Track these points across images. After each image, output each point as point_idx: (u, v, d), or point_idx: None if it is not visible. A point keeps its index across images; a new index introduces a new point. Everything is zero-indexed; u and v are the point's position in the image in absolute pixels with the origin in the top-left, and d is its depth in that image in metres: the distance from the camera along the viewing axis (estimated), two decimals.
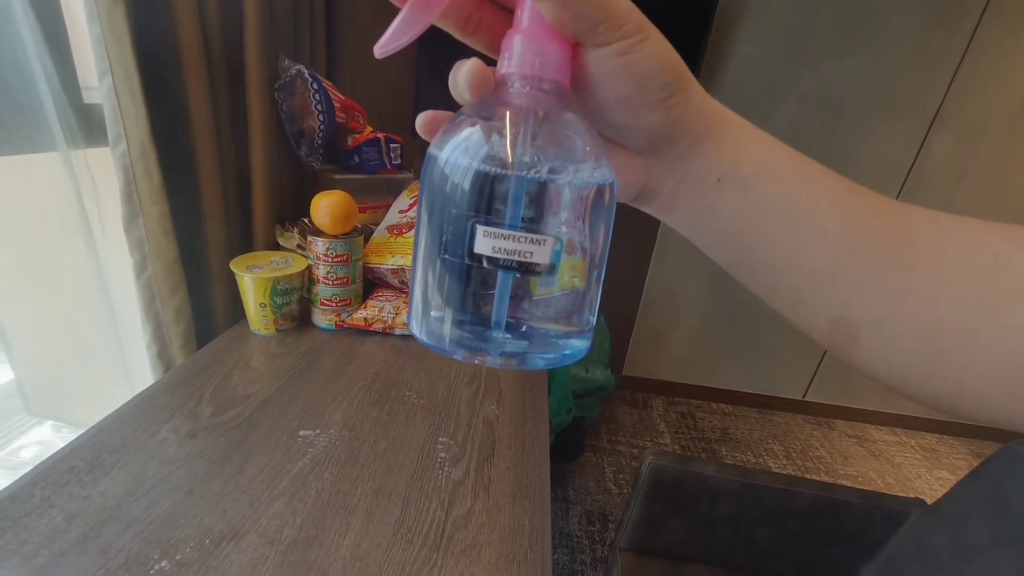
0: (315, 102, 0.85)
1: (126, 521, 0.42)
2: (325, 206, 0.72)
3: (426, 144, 0.21)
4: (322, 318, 0.77)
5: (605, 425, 2.03)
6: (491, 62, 0.21)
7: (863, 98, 1.75)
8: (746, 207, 0.22)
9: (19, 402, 0.81)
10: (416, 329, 0.22)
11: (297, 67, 0.83)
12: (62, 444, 0.50)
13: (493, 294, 0.20)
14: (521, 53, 0.19)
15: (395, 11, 0.20)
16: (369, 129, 0.98)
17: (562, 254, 0.19)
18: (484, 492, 0.51)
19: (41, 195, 0.70)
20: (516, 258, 0.19)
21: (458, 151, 0.19)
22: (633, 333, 2.17)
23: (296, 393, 0.62)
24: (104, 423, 0.53)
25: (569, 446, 1.68)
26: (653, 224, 1.90)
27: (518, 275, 0.19)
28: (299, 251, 0.81)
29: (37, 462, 0.47)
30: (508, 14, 0.21)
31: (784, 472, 1.57)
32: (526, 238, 0.19)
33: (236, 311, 0.77)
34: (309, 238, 0.74)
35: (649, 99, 0.20)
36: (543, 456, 0.57)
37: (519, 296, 0.20)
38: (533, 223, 0.19)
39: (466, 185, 0.19)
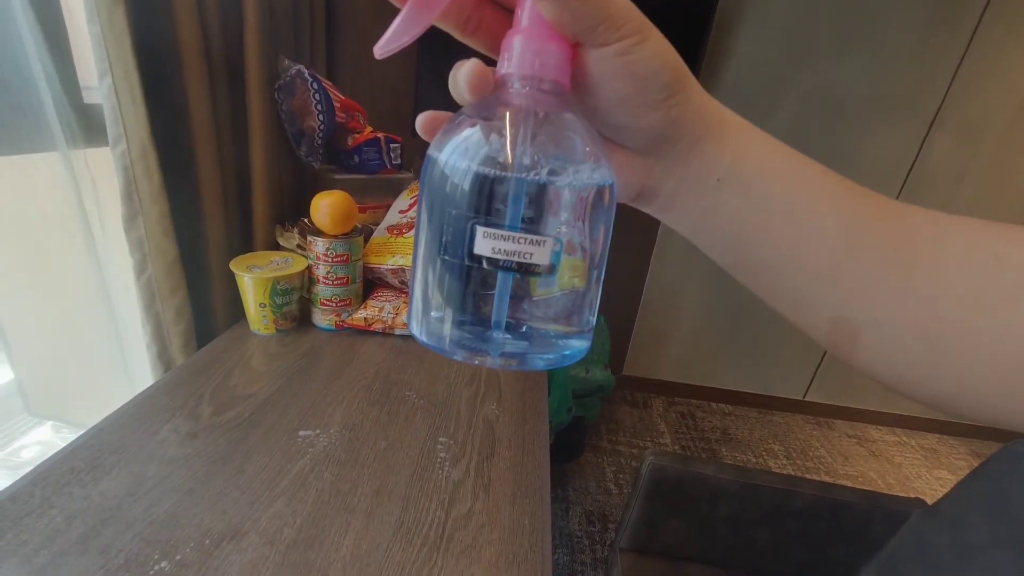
0: (315, 102, 0.85)
1: (126, 521, 0.42)
2: (325, 206, 0.72)
3: (426, 144, 0.21)
4: (322, 318, 0.77)
5: (605, 425, 2.03)
6: (491, 62, 0.21)
7: (863, 98, 1.75)
8: (746, 207, 0.22)
9: (19, 402, 0.81)
10: (416, 329, 0.22)
11: (297, 67, 0.83)
12: (62, 444, 0.50)
13: (493, 294, 0.20)
14: (521, 53, 0.19)
15: (395, 11, 0.20)
16: (369, 129, 0.98)
17: (562, 254, 0.19)
18: (484, 492, 0.51)
19: (41, 195, 0.70)
20: (516, 259, 0.19)
21: (458, 152, 0.19)
22: (633, 333, 2.17)
23: (296, 393, 0.62)
24: (104, 423, 0.53)
25: (569, 446, 1.68)
26: (653, 224, 1.90)
27: (518, 276, 0.19)
28: (299, 251, 0.81)
29: (37, 462, 0.47)
30: (508, 14, 0.21)
31: (784, 472, 1.57)
32: (526, 239, 0.19)
33: (236, 311, 0.77)
34: (309, 238, 0.74)
35: (649, 99, 0.20)
36: (543, 456, 0.57)
37: (519, 296, 0.20)
38: (533, 224, 0.19)
39: (466, 186, 0.19)
